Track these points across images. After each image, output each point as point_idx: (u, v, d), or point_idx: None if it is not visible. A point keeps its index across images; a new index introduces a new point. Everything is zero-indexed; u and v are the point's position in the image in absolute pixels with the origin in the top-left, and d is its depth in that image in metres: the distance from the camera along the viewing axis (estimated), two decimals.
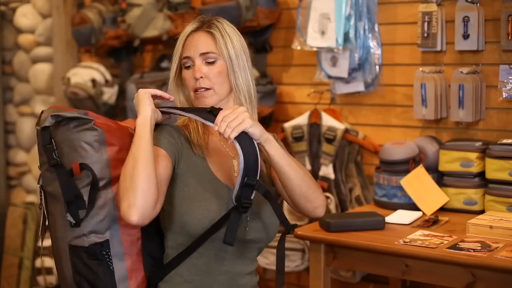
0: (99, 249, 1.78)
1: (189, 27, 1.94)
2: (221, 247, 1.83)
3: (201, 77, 1.88)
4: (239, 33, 1.96)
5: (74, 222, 1.78)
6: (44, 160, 1.83)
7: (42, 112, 1.85)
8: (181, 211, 1.82)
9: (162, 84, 3.56)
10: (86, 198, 1.78)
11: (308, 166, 3.23)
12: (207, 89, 1.88)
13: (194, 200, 1.82)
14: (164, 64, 3.77)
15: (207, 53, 1.89)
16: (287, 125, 3.31)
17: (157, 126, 1.86)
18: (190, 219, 1.81)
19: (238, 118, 1.71)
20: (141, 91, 1.84)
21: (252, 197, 1.72)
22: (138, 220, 1.68)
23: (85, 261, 1.78)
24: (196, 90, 1.89)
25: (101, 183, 1.78)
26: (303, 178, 1.85)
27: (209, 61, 1.89)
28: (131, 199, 1.67)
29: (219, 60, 1.90)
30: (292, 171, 1.82)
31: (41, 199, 1.88)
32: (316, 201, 1.90)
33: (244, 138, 1.70)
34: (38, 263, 4.14)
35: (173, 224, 1.84)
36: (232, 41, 1.91)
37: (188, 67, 1.92)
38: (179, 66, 1.94)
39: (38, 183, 1.90)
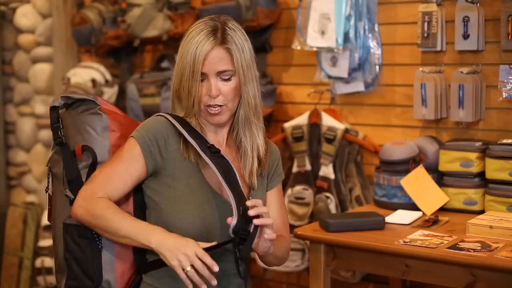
0: (90, 228, 1.82)
1: (204, 40, 1.82)
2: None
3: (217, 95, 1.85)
4: (247, 36, 1.90)
5: (73, 197, 1.83)
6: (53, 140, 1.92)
7: None
8: (166, 210, 1.84)
9: (162, 84, 3.55)
10: (84, 179, 1.86)
11: (308, 166, 3.23)
12: (220, 106, 1.86)
13: (178, 203, 1.84)
14: (164, 64, 3.76)
15: (224, 71, 1.85)
16: (287, 125, 3.31)
17: (151, 122, 1.87)
18: (174, 220, 1.83)
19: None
20: (198, 253, 1.70)
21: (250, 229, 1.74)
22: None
23: (75, 239, 1.82)
24: (209, 106, 1.86)
25: (99, 166, 1.86)
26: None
27: (225, 77, 1.85)
28: (87, 218, 1.79)
29: (234, 76, 1.86)
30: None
31: (48, 181, 1.95)
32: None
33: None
34: (38, 263, 4.14)
35: (159, 221, 1.84)
36: (245, 53, 1.87)
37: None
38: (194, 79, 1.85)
39: (46, 165, 1.98)
